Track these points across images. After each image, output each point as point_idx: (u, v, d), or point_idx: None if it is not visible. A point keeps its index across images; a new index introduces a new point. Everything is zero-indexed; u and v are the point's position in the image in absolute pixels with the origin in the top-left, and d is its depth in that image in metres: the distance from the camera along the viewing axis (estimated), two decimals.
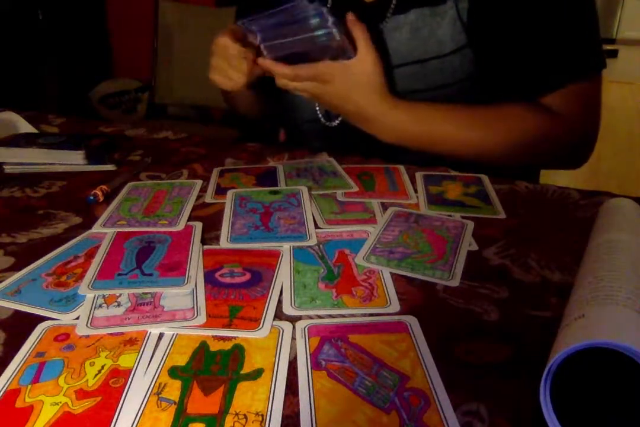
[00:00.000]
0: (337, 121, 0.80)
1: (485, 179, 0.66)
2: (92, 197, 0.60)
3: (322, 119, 0.81)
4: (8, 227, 0.55)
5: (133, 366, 0.36)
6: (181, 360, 0.37)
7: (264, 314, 0.41)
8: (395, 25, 0.72)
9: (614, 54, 3.52)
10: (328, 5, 0.77)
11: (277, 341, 0.38)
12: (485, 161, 0.69)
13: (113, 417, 0.32)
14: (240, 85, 0.71)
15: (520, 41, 0.67)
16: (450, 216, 0.57)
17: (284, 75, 0.66)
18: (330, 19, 0.60)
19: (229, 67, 0.70)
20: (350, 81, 0.65)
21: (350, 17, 0.65)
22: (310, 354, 0.37)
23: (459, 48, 0.69)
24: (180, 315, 0.41)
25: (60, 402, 0.33)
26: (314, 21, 0.61)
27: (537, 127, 0.67)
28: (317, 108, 0.81)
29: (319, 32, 0.61)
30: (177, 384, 0.34)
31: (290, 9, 0.62)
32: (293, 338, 0.39)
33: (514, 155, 0.69)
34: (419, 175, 0.67)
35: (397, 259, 0.48)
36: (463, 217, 0.56)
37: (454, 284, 0.45)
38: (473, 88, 0.72)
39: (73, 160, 0.70)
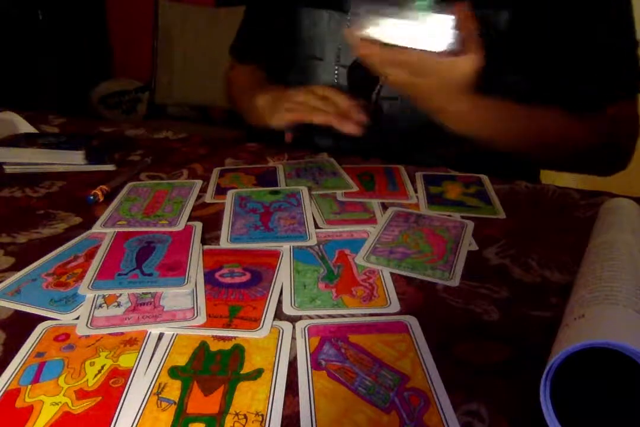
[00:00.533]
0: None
1: (485, 179, 0.66)
2: (92, 197, 0.60)
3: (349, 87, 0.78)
4: (8, 227, 0.55)
5: (133, 366, 0.36)
6: (181, 360, 0.37)
7: (264, 314, 0.41)
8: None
9: None
10: (349, 3, 0.74)
11: (277, 341, 0.38)
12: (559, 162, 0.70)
13: (113, 417, 0.32)
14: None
15: (564, 55, 0.68)
16: (450, 215, 0.57)
17: (372, 55, 0.59)
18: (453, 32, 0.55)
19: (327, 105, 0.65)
20: (444, 78, 0.60)
21: (462, 8, 0.57)
22: (310, 354, 0.37)
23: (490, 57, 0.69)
24: (180, 315, 0.41)
25: (60, 402, 0.33)
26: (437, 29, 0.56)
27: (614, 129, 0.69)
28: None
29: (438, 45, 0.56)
30: (177, 384, 0.34)
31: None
32: (293, 338, 0.39)
33: (593, 151, 0.70)
34: (419, 175, 0.67)
35: (397, 259, 0.48)
36: (463, 217, 0.56)
37: (454, 284, 0.45)
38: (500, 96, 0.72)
39: (73, 160, 0.70)
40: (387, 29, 0.57)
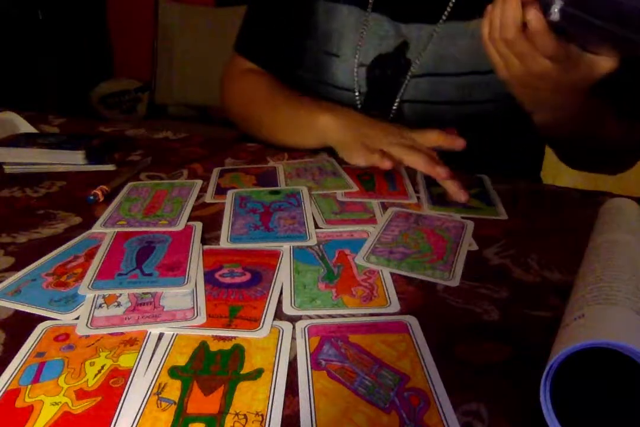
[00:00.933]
0: None
1: (486, 180, 0.66)
2: (92, 197, 0.60)
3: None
4: (8, 227, 0.55)
5: (133, 366, 0.36)
6: (181, 360, 0.37)
7: (264, 314, 0.41)
8: (454, 30, 0.68)
9: None
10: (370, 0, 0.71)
11: (277, 341, 0.38)
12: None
13: (113, 417, 0.32)
14: None
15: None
16: (450, 216, 0.57)
17: (543, 40, 0.50)
18: None
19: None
20: (580, 77, 0.55)
21: None
22: (310, 354, 0.37)
23: None
24: (180, 315, 0.41)
25: (60, 402, 0.33)
26: None
27: None
28: (358, 101, 0.76)
29: None
30: (177, 384, 0.34)
31: None
32: (293, 338, 0.39)
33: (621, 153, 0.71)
34: (420, 176, 0.67)
35: (397, 259, 0.48)
36: (464, 218, 0.56)
37: (453, 284, 0.45)
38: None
39: (73, 160, 0.70)
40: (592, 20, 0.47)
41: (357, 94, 0.76)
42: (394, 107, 0.75)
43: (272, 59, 0.84)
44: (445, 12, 0.69)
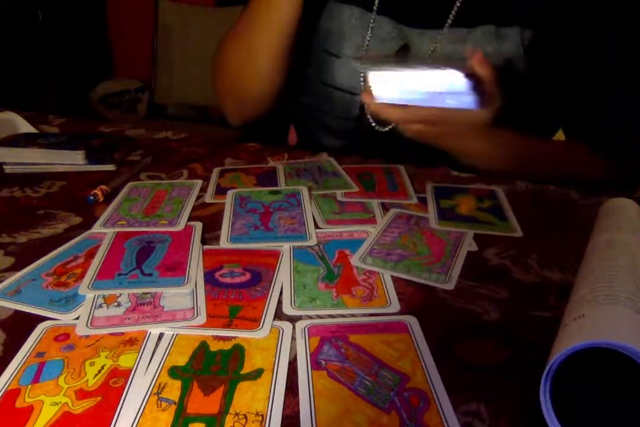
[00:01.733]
0: (389, 127, 0.76)
1: (500, 192, 0.63)
2: (92, 197, 0.60)
3: (372, 123, 0.77)
4: (8, 227, 0.55)
5: (133, 366, 0.36)
6: (181, 360, 0.37)
7: (264, 314, 0.41)
8: (457, 36, 0.68)
9: None
10: (376, 1, 0.72)
11: (277, 341, 0.38)
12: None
13: (113, 417, 0.32)
14: None
15: (579, 91, 0.69)
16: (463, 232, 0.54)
17: (391, 119, 0.62)
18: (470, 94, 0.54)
19: None
20: (463, 127, 0.61)
21: (476, 54, 0.55)
22: (310, 354, 0.37)
23: (519, 72, 0.68)
24: (180, 315, 0.41)
25: (60, 402, 0.33)
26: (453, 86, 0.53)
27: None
28: (367, 111, 0.76)
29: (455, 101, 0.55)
30: (177, 384, 0.34)
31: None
32: (293, 338, 0.39)
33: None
34: (429, 187, 0.64)
35: (393, 261, 0.48)
36: (476, 235, 0.53)
37: (449, 287, 0.45)
38: (524, 109, 0.70)
39: (73, 160, 0.70)
40: (404, 89, 0.56)
41: (354, 95, 0.76)
42: None
43: None
44: (449, 19, 0.68)
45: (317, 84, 0.79)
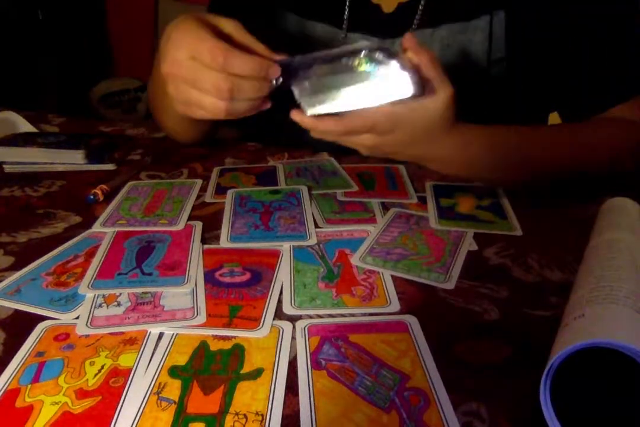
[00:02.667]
0: None
1: (500, 190, 0.62)
2: (92, 197, 0.60)
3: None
4: (8, 226, 0.55)
5: (133, 366, 0.36)
6: (181, 359, 0.37)
7: (264, 313, 0.41)
8: (422, 39, 0.68)
9: None
10: (345, 12, 0.71)
11: (277, 341, 0.38)
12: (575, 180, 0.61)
13: (113, 416, 0.32)
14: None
15: (572, 53, 0.66)
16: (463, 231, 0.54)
17: (332, 132, 0.50)
18: (390, 61, 0.46)
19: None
20: (418, 126, 0.51)
21: (409, 41, 0.49)
22: (310, 354, 0.37)
23: (494, 62, 0.67)
24: (180, 314, 0.41)
25: (60, 401, 0.33)
26: (368, 66, 0.46)
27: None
28: None
29: (377, 79, 0.47)
30: (177, 383, 0.34)
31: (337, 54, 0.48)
32: (293, 338, 0.39)
33: (602, 171, 0.63)
34: (428, 186, 0.64)
35: (393, 261, 0.48)
36: (477, 234, 0.53)
37: (449, 286, 0.45)
38: (502, 100, 0.70)
39: (73, 159, 0.70)
40: (337, 98, 0.48)
41: None
42: None
43: None
44: (414, 23, 0.69)
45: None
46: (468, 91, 0.66)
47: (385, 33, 0.70)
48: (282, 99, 0.75)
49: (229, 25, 0.49)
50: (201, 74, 0.45)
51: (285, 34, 0.77)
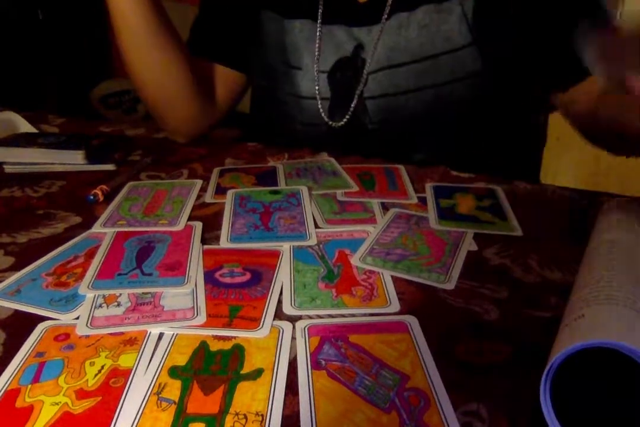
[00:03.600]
0: (343, 121, 0.77)
1: (499, 191, 0.62)
2: (92, 197, 0.60)
3: (327, 120, 0.78)
4: (8, 227, 0.55)
5: (133, 366, 0.36)
6: (181, 360, 0.37)
7: (264, 313, 0.41)
8: (399, 22, 0.71)
9: None
10: (320, 6, 0.75)
11: (277, 341, 0.38)
12: None
13: (113, 417, 0.32)
14: None
15: (539, 34, 0.67)
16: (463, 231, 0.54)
17: None
18: None
19: None
20: None
21: None
22: (310, 354, 0.37)
23: (467, 44, 0.70)
24: (180, 315, 0.41)
25: (60, 402, 0.33)
26: None
27: None
28: (320, 108, 0.78)
29: None
30: (177, 384, 0.34)
31: None
32: (293, 338, 0.39)
33: None
34: (428, 187, 0.63)
35: (393, 261, 0.48)
36: (476, 235, 0.53)
37: (449, 287, 0.45)
38: (483, 83, 0.72)
39: (73, 160, 0.70)
40: None
41: (319, 101, 0.78)
42: (352, 104, 0.76)
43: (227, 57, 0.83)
44: (386, 7, 0.71)
45: (279, 94, 0.81)
46: (442, 69, 0.67)
47: (361, 22, 0.72)
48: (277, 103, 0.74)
49: None
50: None
51: (268, 33, 0.79)
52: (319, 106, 0.78)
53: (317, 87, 0.77)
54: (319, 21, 0.75)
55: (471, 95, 0.71)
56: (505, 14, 0.68)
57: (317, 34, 0.75)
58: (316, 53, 0.76)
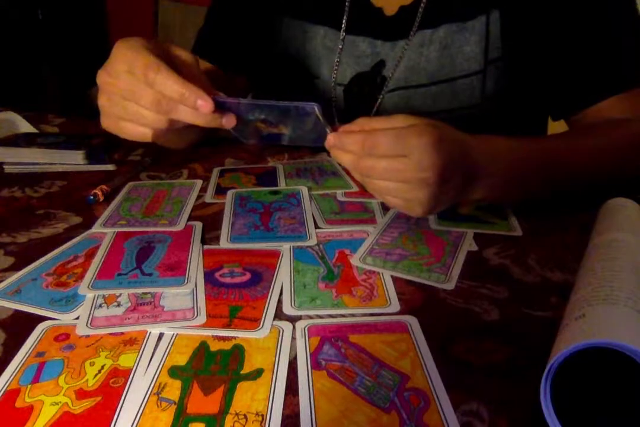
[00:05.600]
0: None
1: None
2: (92, 197, 0.60)
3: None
4: (8, 227, 0.55)
5: (133, 366, 0.36)
6: (181, 360, 0.37)
7: (264, 314, 0.41)
8: (422, 40, 0.69)
9: None
10: (344, 21, 0.72)
11: (277, 341, 0.38)
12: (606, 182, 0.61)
13: (113, 417, 0.32)
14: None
15: (566, 48, 0.66)
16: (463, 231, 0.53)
17: (358, 146, 0.45)
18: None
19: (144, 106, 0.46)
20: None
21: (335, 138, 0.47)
22: (310, 354, 0.37)
23: (490, 62, 0.68)
24: (180, 315, 0.41)
25: (60, 402, 0.33)
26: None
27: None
28: (336, 120, 0.75)
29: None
30: (177, 384, 0.34)
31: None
32: (293, 338, 0.39)
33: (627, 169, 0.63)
34: None
35: (393, 261, 0.48)
36: (476, 235, 0.53)
37: (449, 287, 0.45)
38: (499, 107, 0.70)
39: (73, 160, 0.70)
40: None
41: (334, 111, 0.76)
42: None
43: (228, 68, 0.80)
44: (414, 25, 0.69)
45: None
46: (459, 93, 0.66)
47: (387, 36, 0.70)
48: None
49: (184, 54, 0.50)
50: (137, 88, 0.45)
51: (287, 40, 0.77)
52: (335, 117, 0.76)
53: (334, 98, 0.75)
54: (342, 29, 0.72)
55: (489, 119, 0.69)
56: (531, 25, 0.67)
57: (339, 44, 0.73)
58: (336, 63, 0.74)
